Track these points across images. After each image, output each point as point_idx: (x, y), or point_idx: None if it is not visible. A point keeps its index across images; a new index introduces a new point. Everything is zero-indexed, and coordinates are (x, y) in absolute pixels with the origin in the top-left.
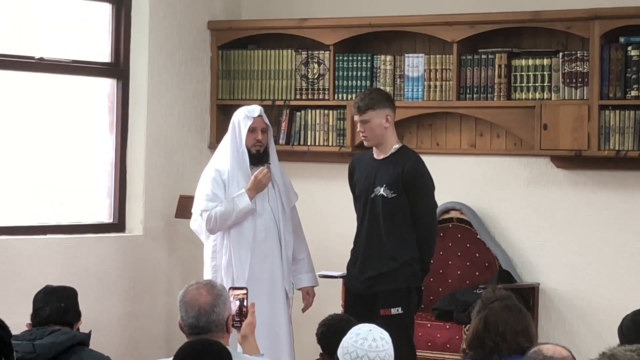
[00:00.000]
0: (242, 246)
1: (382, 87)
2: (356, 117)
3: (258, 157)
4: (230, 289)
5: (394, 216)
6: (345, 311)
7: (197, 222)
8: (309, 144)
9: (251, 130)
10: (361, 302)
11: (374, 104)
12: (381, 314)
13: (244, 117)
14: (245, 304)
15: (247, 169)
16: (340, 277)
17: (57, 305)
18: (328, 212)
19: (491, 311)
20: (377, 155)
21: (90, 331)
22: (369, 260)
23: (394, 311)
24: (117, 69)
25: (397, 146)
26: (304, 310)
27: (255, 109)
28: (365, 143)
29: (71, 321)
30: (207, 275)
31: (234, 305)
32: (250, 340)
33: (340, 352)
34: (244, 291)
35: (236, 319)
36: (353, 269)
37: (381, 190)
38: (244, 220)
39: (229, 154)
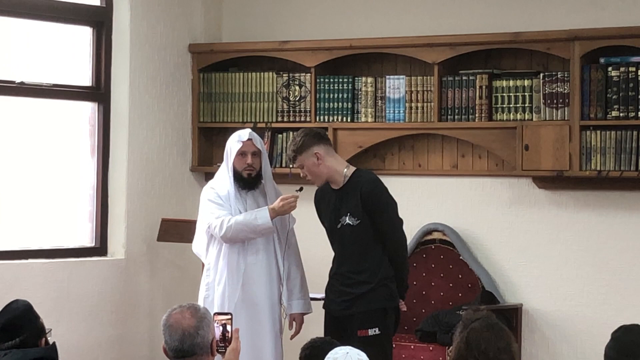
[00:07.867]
0: (233, 268)
1: (363, 109)
2: None
3: (249, 182)
4: (214, 314)
5: (363, 241)
6: (325, 333)
7: (199, 244)
8: (291, 166)
9: (241, 153)
10: (339, 324)
11: (298, 149)
12: (359, 335)
13: (235, 141)
14: (228, 329)
15: (234, 193)
16: (322, 299)
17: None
18: (310, 233)
19: (473, 330)
20: (335, 186)
21: (54, 343)
22: (344, 285)
23: (371, 332)
24: (98, 92)
25: (347, 171)
26: (292, 337)
27: (245, 133)
28: (315, 184)
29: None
30: (201, 293)
31: (218, 331)
32: None
33: None
34: (228, 317)
35: (220, 345)
36: (330, 292)
37: (347, 220)
38: (259, 237)
39: (223, 178)
